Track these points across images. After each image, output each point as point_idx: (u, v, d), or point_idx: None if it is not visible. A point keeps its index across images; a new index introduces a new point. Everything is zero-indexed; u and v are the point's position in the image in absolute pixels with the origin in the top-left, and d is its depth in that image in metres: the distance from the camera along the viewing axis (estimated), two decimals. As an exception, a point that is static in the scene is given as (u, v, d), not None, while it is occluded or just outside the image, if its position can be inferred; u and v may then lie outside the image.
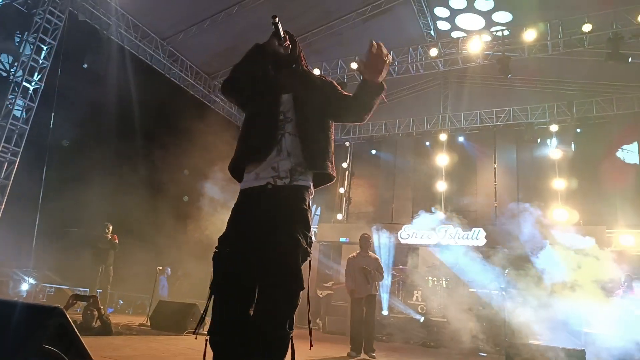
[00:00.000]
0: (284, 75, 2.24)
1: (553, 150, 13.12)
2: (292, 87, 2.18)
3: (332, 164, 2.12)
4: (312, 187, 2.10)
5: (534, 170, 13.34)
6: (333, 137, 2.20)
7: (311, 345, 1.90)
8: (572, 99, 12.73)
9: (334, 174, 2.14)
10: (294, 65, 2.31)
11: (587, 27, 9.92)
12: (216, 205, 9.16)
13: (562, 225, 11.85)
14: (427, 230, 13.35)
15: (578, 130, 12.99)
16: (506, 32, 10.88)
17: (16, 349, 2.21)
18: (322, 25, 11.88)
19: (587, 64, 11.41)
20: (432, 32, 12.31)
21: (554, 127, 13.07)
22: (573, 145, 13.03)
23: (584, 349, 4.47)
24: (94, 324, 5.68)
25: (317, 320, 11.46)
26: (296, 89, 2.17)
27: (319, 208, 15.21)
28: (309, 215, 2.02)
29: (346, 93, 2.25)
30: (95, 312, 5.77)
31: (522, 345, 5.21)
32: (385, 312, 9.80)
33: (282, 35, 2.20)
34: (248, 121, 2.19)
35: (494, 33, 11.17)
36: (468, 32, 11.74)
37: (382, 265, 6.57)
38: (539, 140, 13.50)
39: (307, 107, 2.13)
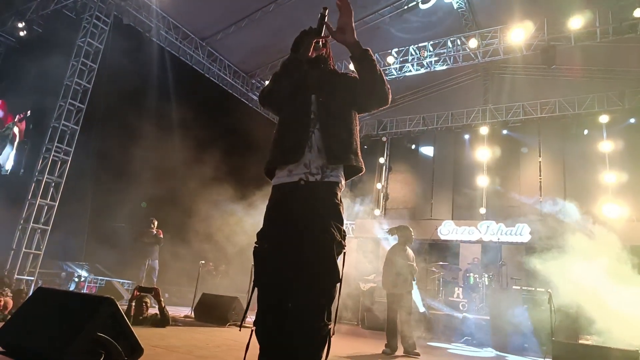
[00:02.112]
0: (312, 75, 2.30)
1: (603, 142, 12.48)
2: (320, 86, 2.25)
3: (356, 155, 2.18)
4: (343, 182, 2.17)
5: (582, 163, 12.73)
6: (357, 129, 2.26)
7: (333, 333, 1.96)
8: (623, 87, 12.06)
9: (361, 165, 2.19)
10: (322, 66, 2.37)
11: (638, 13, 9.36)
12: (257, 203, 9.30)
13: (612, 221, 11.30)
14: (468, 226, 13.07)
15: (632, 120, 12.28)
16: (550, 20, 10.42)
17: (73, 335, 2.35)
18: (359, 19, 11.80)
19: (639, 51, 10.78)
20: (470, 23, 11.98)
21: (603, 118, 12.43)
22: (624, 137, 12.33)
23: (637, 350, 4.25)
24: (145, 314, 5.93)
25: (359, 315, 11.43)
26: (323, 88, 2.24)
27: (356, 204, 15.16)
28: (341, 210, 2.10)
29: None
30: (148, 303, 6.03)
31: (571, 345, 5.01)
32: (422, 309, 9.66)
33: (323, 30, 2.23)
34: (281, 124, 2.27)
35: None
36: (509, 22, 11.32)
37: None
38: (586, 131, 12.89)
39: (333, 104, 2.20)
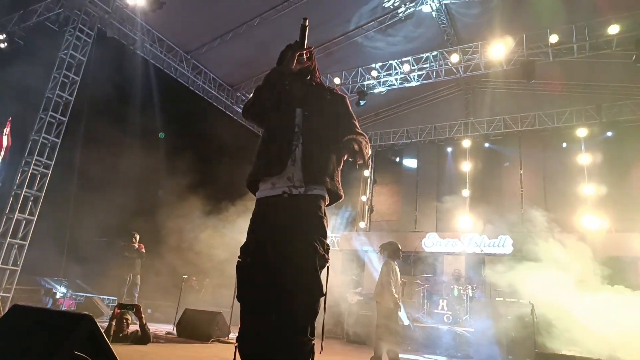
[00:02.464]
0: (297, 88, 2.29)
1: (581, 155, 12.78)
2: (306, 100, 2.24)
3: (332, 179, 2.13)
4: (327, 195, 2.13)
5: (562, 175, 13.00)
6: (340, 152, 2.20)
7: (321, 350, 1.95)
8: (600, 102, 12.41)
9: (336, 189, 2.14)
10: (308, 77, 2.37)
11: (613, 29, 9.68)
12: (240, 215, 9.24)
13: (591, 232, 11.52)
14: (451, 238, 13.17)
15: (609, 134, 12.61)
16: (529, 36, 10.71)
17: (49, 354, 2.28)
18: (343, 34, 11.97)
19: (616, 67, 11.12)
20: (452, 38, 12.25)
21: (581, 132, 12.74)
22: (602, 150, 12.65)
23: (618, 360, 4.30)
24: (126, 331, 5.80)
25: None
26: (309, 102, 2.23)
27: (338, 217, 15.17)
28: (325, 223, 2.08)
29: (350, 125, 2.26)
30: (129, 320, 5.90)
31: (553, 356, 5.06)
32: (407, 322, 9.65)
33: (306, 41, 2.26)
34: (265, 136, 2.26)
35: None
36: (490, 37, 11.59)
37: None
38: (564, 144, 13.19)
39: (317, 120, 2.19)
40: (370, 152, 2.14)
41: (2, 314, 6.09)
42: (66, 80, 9.54)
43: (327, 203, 2.15)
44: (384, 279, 6.12)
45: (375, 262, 12.96)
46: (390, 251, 6.36)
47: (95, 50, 10.01)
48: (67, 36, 9.72)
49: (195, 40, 12.13)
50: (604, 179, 12.18)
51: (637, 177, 11.77)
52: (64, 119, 9.46)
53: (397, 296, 6.10)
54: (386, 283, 6.07)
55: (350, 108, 2.35)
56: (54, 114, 9.32)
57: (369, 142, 2.17)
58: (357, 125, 2.28)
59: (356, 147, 2.02)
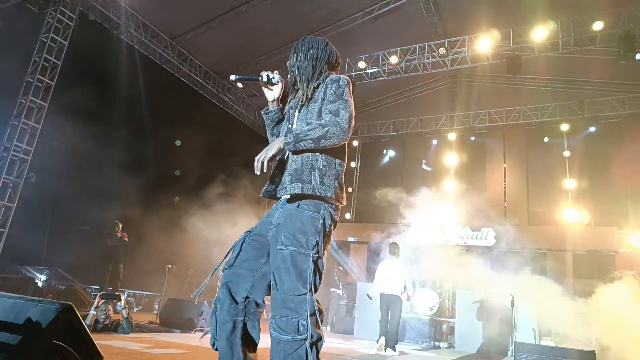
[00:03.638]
0: (289, 104, 2.39)
1: (564, 150, 12.99)
2: (295, 113, 2.30)
3: (308, 183, 2.06)
4: (329, 194, 2.09)
5: (545, 169, 13.22)
6: (328, 156, 2.15)
7: (319, 347, 1.95)
8: (583, 98, 12.60)
9: (318, 192, 2.05)
10: (293, 93, 2.39)
11: (598, 25, 9.79)
12: (225, 204, 9.19)
13: (572, 226, 11.75)
14: (436, 230, 13.29)
15: (591, 129, 12.84)
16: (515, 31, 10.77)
17: (27, 345, 2.24)
18: (330, 24, 11.88)
19: (599, 63, 11.27)
20: (440, 31, 12.25)
21: (564, 127, 12.94)
22: (584, 145, 12.88)
23: (594, 350, 4.42)
24: (108, 321, 5.75)
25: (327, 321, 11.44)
26: (300, 110, 2.28)
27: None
28: (317, 222, 2.04)
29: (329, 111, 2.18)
30: (110, 310, 5.86)
31: (532, 346, 5.16)
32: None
33: (265, 78, 2.30)
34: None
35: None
36: (477, 31, 11.62)
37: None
38: (546, 139, 13.39)
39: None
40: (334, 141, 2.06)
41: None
42: (47, 65, 9.30)
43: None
44: (406, 276, 7.06)
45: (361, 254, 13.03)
46: (392, 250, 7.27)
47: (78, 34, 9.76)
48: (48, 19, 9.45)
49: (181, 26, 11.90)
50: (585, 173, 12.42)
51: (617, 173, 12.01)
52: (44, 104, 9.24)
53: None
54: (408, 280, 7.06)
55: (336, 91, 2.21)
56: (34, 99, 9.10)
57: (339, 124, 2.08)
58: (331, 109, 2.14)
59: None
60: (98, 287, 9.80)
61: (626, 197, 11.87)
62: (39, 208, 10.44)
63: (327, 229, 2.09)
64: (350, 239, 14.12)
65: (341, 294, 11.26)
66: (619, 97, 12.28)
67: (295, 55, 2.34)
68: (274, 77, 2.31)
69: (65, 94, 9.62)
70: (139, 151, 11.38)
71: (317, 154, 2.12)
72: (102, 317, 5.72)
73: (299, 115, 2.27)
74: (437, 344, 8.78)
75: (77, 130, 9.66)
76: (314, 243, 1.97)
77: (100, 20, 10.42)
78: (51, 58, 9.34)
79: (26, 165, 9.04)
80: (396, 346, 6.72)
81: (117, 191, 10.31)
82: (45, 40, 9.31)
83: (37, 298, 2.60)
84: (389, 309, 6.79)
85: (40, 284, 9.99)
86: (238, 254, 2.11)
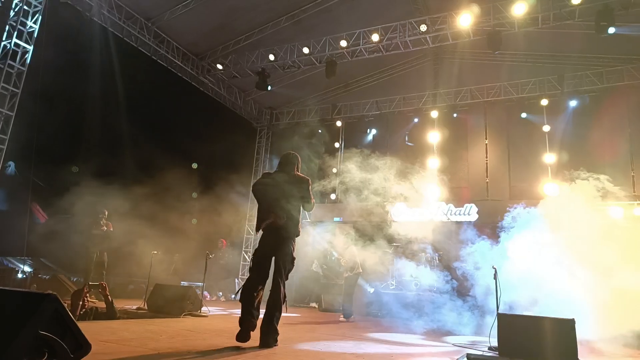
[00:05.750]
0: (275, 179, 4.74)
1: (544, 125, 13.17)
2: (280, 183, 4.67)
3: (278, 213, 4.49)
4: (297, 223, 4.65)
5: (525, 145, 13.42)
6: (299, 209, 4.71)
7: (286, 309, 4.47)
8: (562, 72, 12.72)
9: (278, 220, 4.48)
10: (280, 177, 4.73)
11: (576, 0, 9.83)
12: (209, 189, 9.13)
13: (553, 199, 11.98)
14: (419, 207, 13.45)
15: (571, 103, 13.02)
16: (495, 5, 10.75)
17: (12, 335, 2.22)
18: (310, 2, 11.64)
19: (578, 37, 11.35)
20: (421, 8, 12.14)
21: (544, 102, 13.09)
22: (564, 119, 13.06)
23: (573, 318, 4.57)
24: (86, 307, 5.75)
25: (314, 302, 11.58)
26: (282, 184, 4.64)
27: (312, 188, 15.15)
28: (294, 241, 4.63)
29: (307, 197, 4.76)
30: (88, 297, 5.84)
31: (513, 317, 5.32)
32: (370, 289, 10.00)
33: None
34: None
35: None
36: (458, 8, 11.55)
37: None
38: (524, 114, 13.56)
39: (284, 191, 4.59)
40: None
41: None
42: (17, 50, 8.98)
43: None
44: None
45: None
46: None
47: (48, 17, 9.41)
48: (16, 1, 9.08)
49: (156, 7, 11.55)
50: (564, 147, 12.63)
51: (596, 147, 12.23)
52: (17, 90, 8.95)
53: None
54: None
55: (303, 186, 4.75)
56: (6, 85, 8.80)
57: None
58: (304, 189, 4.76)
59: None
60: (81, 277, 9.72)
61: (605, 170, 12.12)
62: (19, 197, 10.22)
63: None
64: (335, 219, 14.21)
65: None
66: (598, 71, 12.44)
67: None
68: None
69: (37, 81, 9.33)
70: (118, 135, 11.17)
71: None
72: (76, 304, 5.69)
73: None
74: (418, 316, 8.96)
75: (52, 116, 9.40)
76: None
77: (72, 2, 10.05)
78: (21, 43, 9.02)
79: (1, 155, 8.80)
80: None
81: (99, 178, 10.13)
82: (14, 24, 8.97)
83: (21, 289, 2.56)
84: None
85: (22, 275, 9.85)
86: None
